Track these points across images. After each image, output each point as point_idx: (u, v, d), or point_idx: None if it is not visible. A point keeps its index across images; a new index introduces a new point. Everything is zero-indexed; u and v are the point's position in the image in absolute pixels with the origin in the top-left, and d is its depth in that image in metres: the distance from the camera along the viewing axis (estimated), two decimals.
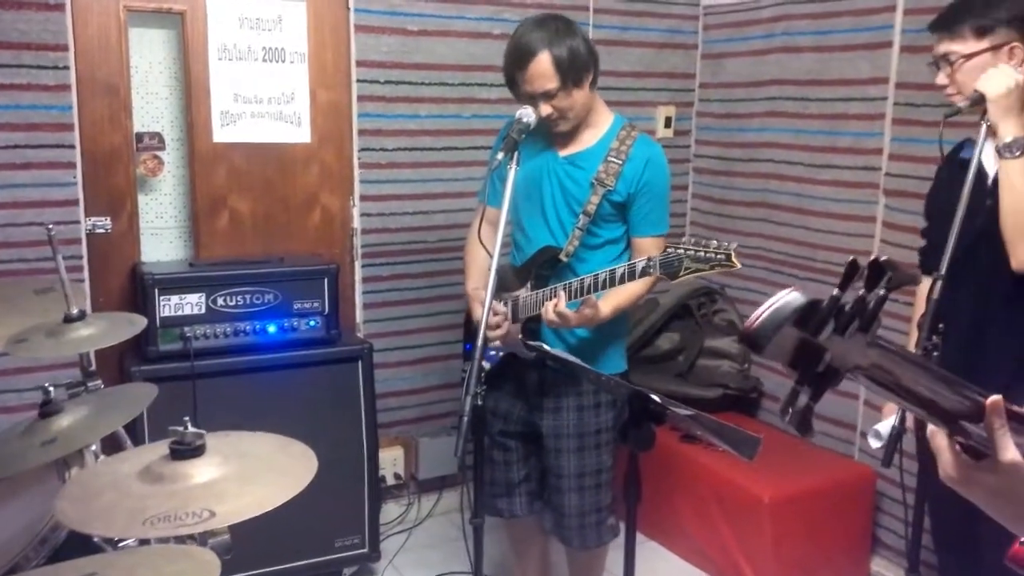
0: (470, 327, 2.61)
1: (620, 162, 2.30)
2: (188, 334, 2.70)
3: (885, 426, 2.17)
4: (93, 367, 1.87)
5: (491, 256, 2.10)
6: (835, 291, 0.80)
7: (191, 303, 2.74)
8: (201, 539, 1.19)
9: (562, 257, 2.34)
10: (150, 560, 1.02)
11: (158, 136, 2.98)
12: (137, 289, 2.77)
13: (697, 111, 3.88)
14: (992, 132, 2.01)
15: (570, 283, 2.23)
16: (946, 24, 2.10)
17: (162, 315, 2.68)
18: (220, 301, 2.78)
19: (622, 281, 2.13)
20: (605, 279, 2.15)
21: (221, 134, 3.05)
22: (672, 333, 3.68)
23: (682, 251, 1.98)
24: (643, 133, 2.40)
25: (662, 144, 3.66)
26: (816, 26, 3.26)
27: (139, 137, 2.95)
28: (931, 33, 2.15)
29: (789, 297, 0.79)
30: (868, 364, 0.86)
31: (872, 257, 0.81)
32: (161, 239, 3.07)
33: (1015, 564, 1.23)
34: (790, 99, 3.38)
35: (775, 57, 3.43)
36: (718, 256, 1.95)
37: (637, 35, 3.68)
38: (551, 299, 2.24)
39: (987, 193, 2.07)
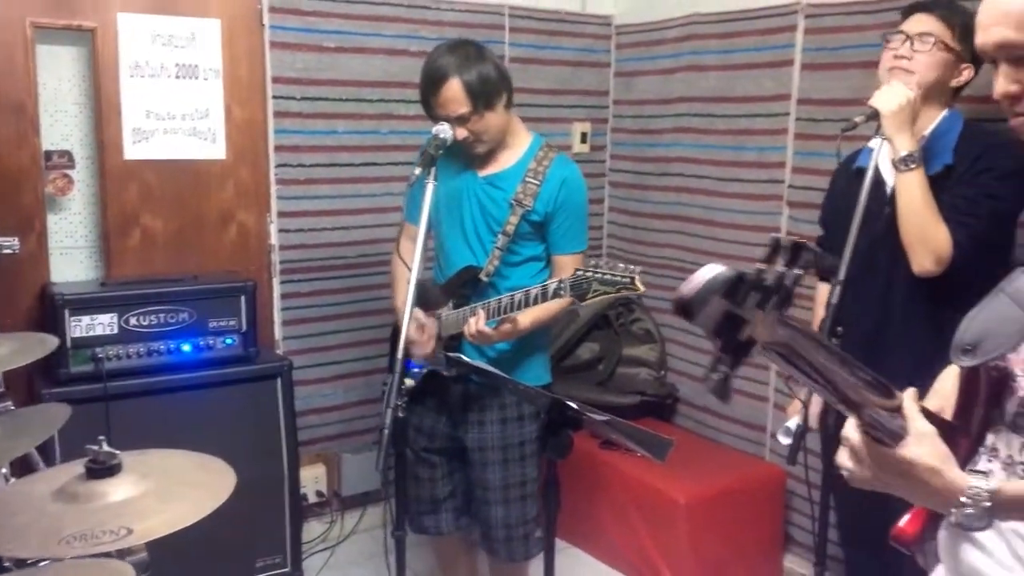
0: (397, 342, 2.64)
1: (538, 183, 2.37)
2: (100, 355, 2.64)
3: (794, 423, 2.27)
4: (2, 388, 1.83)
5: (410, 272, 2.15)
6: (759, 265, 0.86)
7: (103, 323, 2.68)
8: (119, 557, 1.19)
9: (482, 277, 2.39)
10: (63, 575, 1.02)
11: (67, 154, 2.91)
12: (47, 310, 2.70)
13: (612, 127, 3.99)
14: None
15: (488, 303, 2.29)
16: (942, 9, 2.16)
17: (73, 336, 2.62)
18: (133, 321, 2.73)
19: (536, 302, 2.20)
20: (520, 300, 2.22)
21: (133, 151, 3.00)
22: (592, 343, 3.77)
23: (591, 274, 2.06)
24: (561, 153, 2.46)
25: (579, 159, 3.78)
26: (721, 45, 3.40)
27: (48, 155, 2.88)
28: (913, 12, 2.22)
29: (719, 269, 0.84)
30: (779, 342, 0.93)
31: (794, 240, 0.88)
32: (71, 259, 3.00)
33: (897, 542, 1.34)
34: (698, 115, 3.51)
35: (683, 75, 3.56)
36: (623, 280, 2.03)
37: (552, 54, 3.77)
38: (472, 316, 2.29)
39: (885, 201, 2.19)
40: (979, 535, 1.24)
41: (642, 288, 2.05)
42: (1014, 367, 1.23)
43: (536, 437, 2.45)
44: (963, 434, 1.29)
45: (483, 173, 2.44)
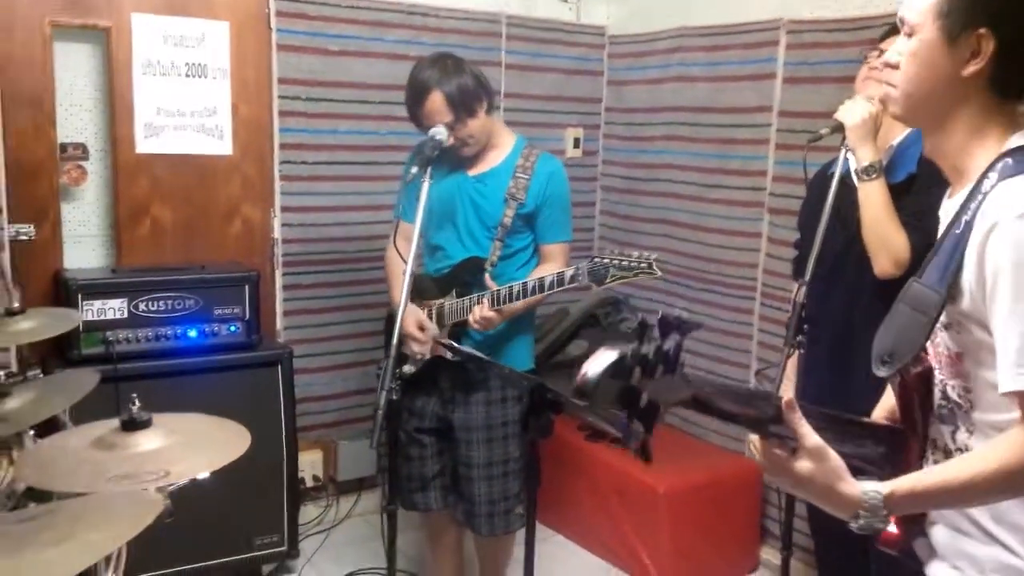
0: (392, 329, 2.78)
1: (527, 177, 2.54)
2: (111, 338, 2.78)
3: None
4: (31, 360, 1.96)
5: (406, 264, 2.30)
6: (635, 344, 1.02)
7: (113, 308, 2.82)
8: None
9: (487, 267, 2.55)
10: (97, 502, 1.15)
11: (82, 147, 3.06)
12: (60, 294, 2.84)
13: (603, 133, 4.14)
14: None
15: (499, 290, 2.44)
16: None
17: (85, 319, 2.75)
18: (142, 306, 2.86)
19: (551, 288, 2.36)
20: (535, 286, 2.37)
21: (144, 145, 3.14)
22: (581, 340, 3.91)
23: (608, 260, 2.22)
24: (544, 151, 2.63)
25: (572, 163, 3.94)
26: (708, 58, 3.55)
27: (63, 147, 3.02)
28: (893, 32, 2.37)
29: (603, 356, 1.00)
30: (688, 398, 1.09)
31: (660, 315, 1.03)
32: (84, 247, 3.14)
33: (886, 547, 1.44)
34: (685, 124, 3.66)
35: (672, 85, 3.71)
36: (641, 265, 2.20)
37: (548, 61, 3.92)
38: (478, 304, 2.45)
39: (857, 206, 2.34)
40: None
41: (659, 272, 2.20)
42: (933, 361, 1.37)
43: (518, 418, 2.60)
44: (912, 437, 1.41)
45: (473, 172, 2.60)
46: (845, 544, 2.35)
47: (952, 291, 1.24)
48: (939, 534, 1.37)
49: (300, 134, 3.41)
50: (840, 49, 3.02)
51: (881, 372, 1.34)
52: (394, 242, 2.60)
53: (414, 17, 3.55)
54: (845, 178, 2.31)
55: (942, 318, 1.28)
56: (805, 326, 2.26)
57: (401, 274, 2.58)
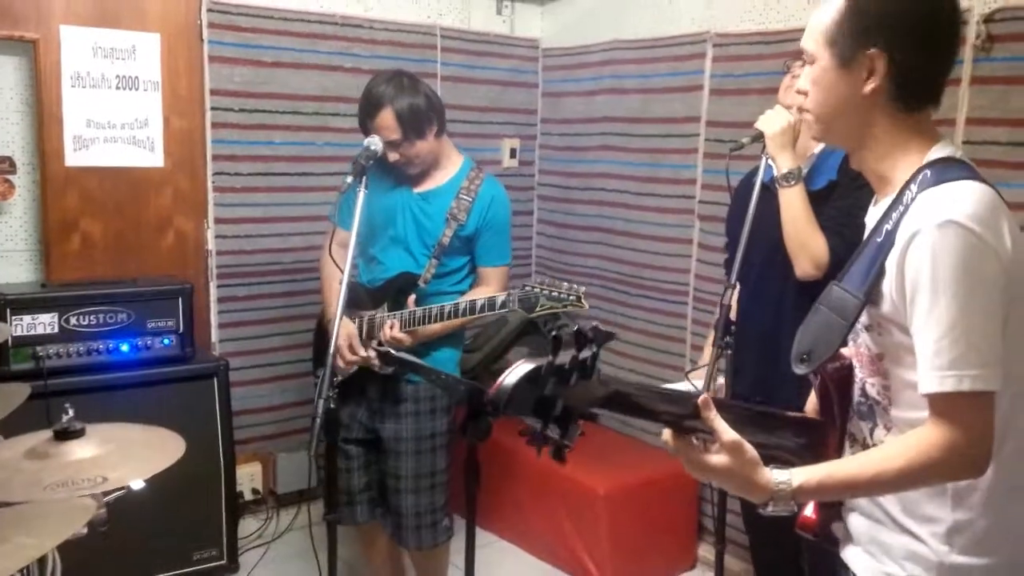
0: (322, 338, 2.77)
1: (470, 199, 2.58)
2: (41, 353, 2.73)
3: None
4: None
5: (342, 273, 2.31)
6: (550, 357, 1.07)
7: (44, 323, 2.77)
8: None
9: (420, 283, 2.58)
10: (32, 510, 1.15)
11: (9, 160, 3.00)
12: None
13: (540, 144, 4.21)
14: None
15: (430, 308, 2.46)
16: None
17: (14, 334, 2.70)
18: (73, 320, 2.82)
19: (483, 311, 2.39)
20: (466, 307, 2.40)
21: (74, 158, 3.10)
22: (521, 347, 3.95)
23: (539, 290, 2.26)
24: (489, 174, 2.68)
25: (509, 174, 3.99)
26: (639, 70, 3.64)
27: None
28: None
29: (519, 367, 1.05)
30: (605, 396, 1.13)
31: (576, 328, 1.08)
32: (11, 261, 3.07)
33: (803, 531, 1.51)
34: (618, 134, 3.75)
35: (605, 97, 3.80)
36: (570, 297, 2.25)
37: (483, 73, 3.97)
38: (388, 325, 2.47)
39: (779, 211, 2.43)
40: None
41: (587, 306, 2.26)
42: (854, 360, 1.44)
43: (446, 430, 2.64)
44: (832, 428, 1.48)
45: (418, 190, 2.64)
46: (778, 537, 2.43)
47: (873, 296, 1.30)
48: (855, 521, 1.44)
49: (233, 145, 3.39)
50: (763, 61, 3.14)
51: (799, 370, 1.40)
52: (329, 249, 2.60)
53: (347, 29, 3.57)
54: (768, 185, 2.40)
55: (863, 320, 1.34)
56: (732, 327, 2.34)
57: (337, 283, 2.60)
